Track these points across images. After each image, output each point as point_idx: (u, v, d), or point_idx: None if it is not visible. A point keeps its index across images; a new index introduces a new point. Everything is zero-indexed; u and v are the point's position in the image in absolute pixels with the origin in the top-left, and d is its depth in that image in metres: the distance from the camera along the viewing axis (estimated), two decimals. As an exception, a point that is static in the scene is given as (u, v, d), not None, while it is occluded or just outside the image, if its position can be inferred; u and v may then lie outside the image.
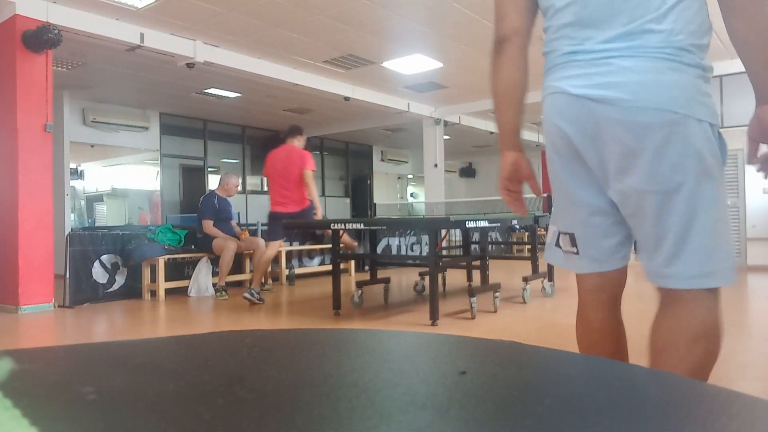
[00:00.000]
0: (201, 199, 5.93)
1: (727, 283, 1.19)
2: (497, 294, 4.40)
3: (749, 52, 1.21)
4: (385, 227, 6.03)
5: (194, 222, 5.95)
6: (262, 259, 5.14)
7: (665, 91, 1.18)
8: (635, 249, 1.37)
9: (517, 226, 9.95)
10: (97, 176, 9.96)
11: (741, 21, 1.20)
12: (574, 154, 1.31)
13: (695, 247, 1.18)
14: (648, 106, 1.16)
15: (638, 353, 3.10)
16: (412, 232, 8.62)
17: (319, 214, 5.19)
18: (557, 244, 1.44)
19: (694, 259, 1.18)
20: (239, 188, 6.18)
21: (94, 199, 9.92)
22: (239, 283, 6.37)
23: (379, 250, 8.00)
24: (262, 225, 7.05)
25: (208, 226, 5.71)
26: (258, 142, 11.89)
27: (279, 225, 5.02)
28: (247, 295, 4.93)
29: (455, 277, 6.27)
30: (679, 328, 1.25)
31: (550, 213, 5.20)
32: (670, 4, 1.20)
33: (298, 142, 5.26)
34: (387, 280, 5.02)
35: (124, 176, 10.41)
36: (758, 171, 1.24)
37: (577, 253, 1.39)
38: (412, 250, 8.66)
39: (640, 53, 1.19)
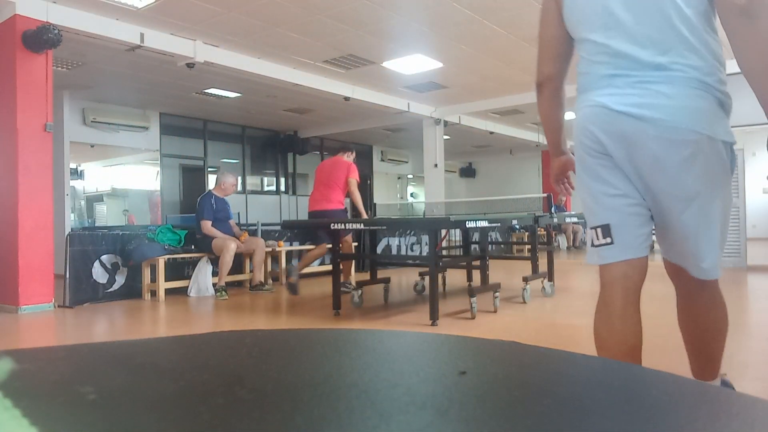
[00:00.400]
0: (198, 199, 5.93)
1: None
2: (497, 294, 4.40)
3: (759, 83, 1.41)
4: (385, 227, 6.03)
5: (194, 222, 5.95)
6: (311, 254, 5.79)
7: (692, 114, 1.41)
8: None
9: (517, 226, 9.96)
10: (97, 176, 9.96)
11: (751, 56, 1.39)
12: (606, 156, 1.53)
13: (713, 248, 1.50)
14: (679, 126, 1.41)
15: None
16: (412, 232, 8.61)
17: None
18: (593, 245, 1.58)
19: (713, 257, 1.51)
20: (239, 188, 6.18)
21: (94, 199, 9.92)
22: (239, 283, 6.37)
23: (379, 250, 8.00)
24: (263, 225, 7.05)
25: (207, 226, 5.71)
26: (258, 142, 11.90)
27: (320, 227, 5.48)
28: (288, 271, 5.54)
29: (455, 277, 6.27)
30: (704, 309, 1.66)
31: (550, 213, 5.23)
32: (697, 44, 1.43)
33: (347, 157, 5.88)
34: (387, 280, 5.03)
35: (124, 176, 10.41)
36: None
37: (612, 242, 1.52)
38: (412, 250, 8.66)
39: (673, 81, 1.43)
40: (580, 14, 1.58)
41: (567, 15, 1.62)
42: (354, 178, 5.70)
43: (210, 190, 6.04)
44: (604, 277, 1.56)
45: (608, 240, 1.52)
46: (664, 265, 1.70)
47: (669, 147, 1.42)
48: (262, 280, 6.06)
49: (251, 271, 6.20)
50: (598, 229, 1.55)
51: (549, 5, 1.68)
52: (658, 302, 4.72)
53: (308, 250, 7.43)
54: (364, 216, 5.71)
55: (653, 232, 1.57)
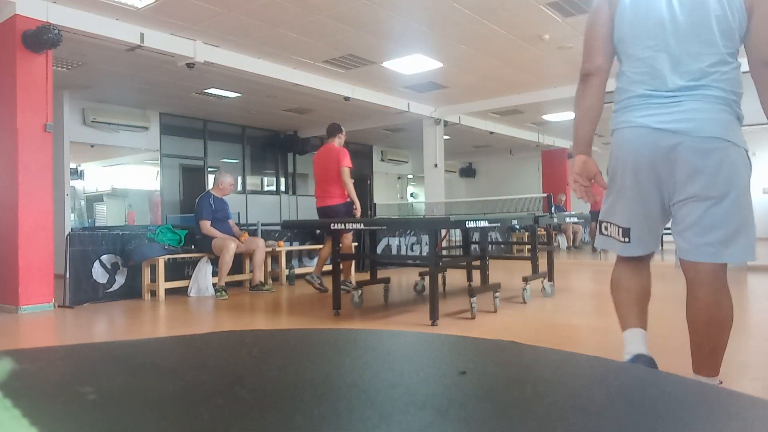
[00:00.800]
0: (197, 200, 5.93)
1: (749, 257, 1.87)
2: (497, 294, 4.40)
3: None
4: (385, 227, 6.03)
5: (194, 222, 5.95)
6: (322, 254, 5.69)
7: (719, 125, 1.73)
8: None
9: (517, 226, 9.96)
10: (97, 176, 9.96)
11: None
12: (647, 171, 1.82)
13: (736, 236, 1.76)
14: (710, 135, 1.72)
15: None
16: (412, 232, 8.61)
17: (358, 211, 5.46)
18: (609, 235, 1.97)
19: (734, 244, 1.76)
20: (239, 188, 6.19)
21: (94, 199, 9.92)
22: (239, 283, 6.37)
23: (379, 250, 8.00)
24: (263, 225, 7.05)
25: (206, 226, 5.71)
26: (258, 142, 11.90)
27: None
28: (308, 278, 5.63)
29: (455, 277, 6.27)
30: (713, 295, 1.83)
31: (549, 213, 5.23)
32: (721, 69, 1.77)
33: (338, 140, 5.63)
34: (387, 280, 5.02)
35: (124, 176, 10.41)
36: None
37: (629, 242, 1.92)
38: (412, 250, 8.66)
39: (701, 99, 1.74)
40: (632, 28, 1.83)
41: (619, 25, 1.85)
42: (345, 166, 5.41)
43: (208, 190, 6.04)
44: (619, 261, 2.02)
45: (627, 240, 1.93)
46: (680, 264, 1.91)
47: (703, 156, 1.73)
48: (262, 280, 6.05)
49: (251, 271, 6.19)
50: (621, 229, 1.94)
51: (602, 7, 1.89)
52: (659, 302, 4.71)
53: (308, 250, 7.44)
54: (357, 205, 5.44)
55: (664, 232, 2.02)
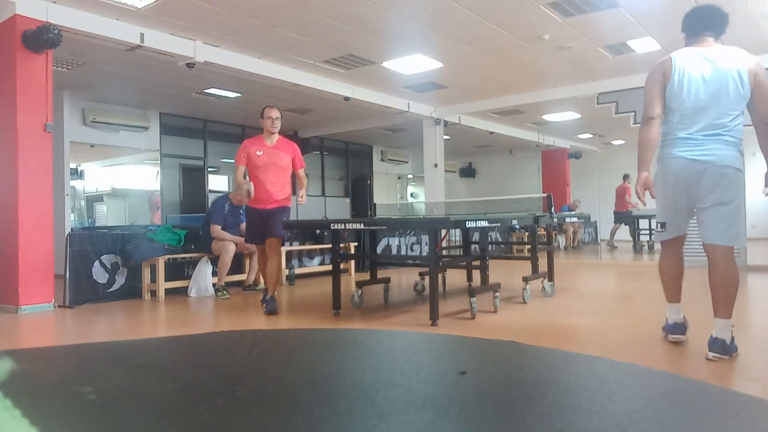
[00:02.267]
0: (213, 200, 5.92)
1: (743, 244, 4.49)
2: (497, 294, 4.40)
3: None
4: (385, 227, 6.03)
5: (194, 222, 5.95)
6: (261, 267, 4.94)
7: (730, 159, 2.72)
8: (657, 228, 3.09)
9: (517, 226, 9.96)
10: (97, 176, 9.96)
11: (765, 145, 2.81)
12: (682, 189, 2.83)
13: (734, 228, 2.75)
14: (725, 164, 2.70)
15: (636, 353, 3.11)
16: (412, 232, 8.61)
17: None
18: (658, 230, 3.05)
19: (733, 233, 2.74)
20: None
21: (94, 199, 9.92)
22: (240, 283, 6.37)
23: (379, 250, 8.00)
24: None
25: (216, 230, 5.69)
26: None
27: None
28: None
29: (455, 277, 6.27)
30: (728, 266, 2.76)
31: (549, 213, 5.24)
32: (732, 123, 2.75)
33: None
34: (387, 280, 5.02)
35: (124, 176, 10.41)
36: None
37: (664, 231, 2.99)
38: (412, 250, 8.66)
39: (719, 142, 2.73)
40: (681, 97, 2.80)
41: (670, 91, 2.83)
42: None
43: (227, 194, 5.99)
44: (662, 250, 3.08)
45: (663, 229, 3.00)
46: (703, 246, 2.82)
47: (720, 177, 2.72)
48: (255, 280, 6.06)
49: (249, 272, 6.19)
50: (659, 224, 3.02)
51: (658, 75, 2.88)
52: (659, 303, 4.71)
53: (308, 250, 7.43)
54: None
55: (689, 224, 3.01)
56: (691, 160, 2.75)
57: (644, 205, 2.78)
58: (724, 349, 2.71)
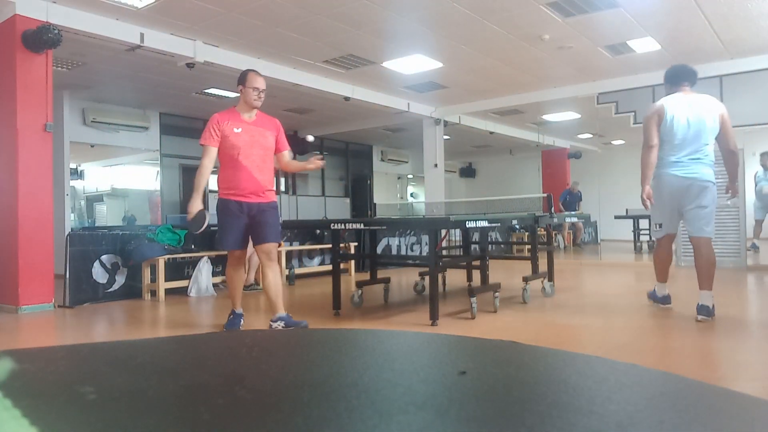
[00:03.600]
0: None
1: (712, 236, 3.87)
2: (497, 294, 4.40)
3: (731, 175, 4.00)
4: (385, 227, 6.03)
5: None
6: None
7: (708, 175, 3.79)
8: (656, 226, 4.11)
9: (517, 226, 9.95)
10: (97, 176, 9.96)
11: (730, 168, 3.97)
12: (674, 197, 3.85)
13: (711, 225, 3.80)
14: (704, 179, 3.77)
15: (636, 353, 3.11)
16: (412, 232, 8.61)
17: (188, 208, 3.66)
18: (655, 230, 4.07)
19: (710, 228, 3.80)
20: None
21: (94, 199, 9.93)
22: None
23: (379, 250, 8.00)
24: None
25: None
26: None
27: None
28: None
29: (455, 277, 6.27)
30: (709, 251, 3.78)
31: (549, 213, 5.25)
32: (707, 149, 3.81)
33: (240, 98, 3.88)
34: (387, 280, 5.02)
35: (124, 176, 10.41)
36: (729, 199, 4.38)
37: (661, 229, 4.00)
38: (412, 250, 8.65)
39: (699, 163, 3.79)
40: (672, 132, 3.82)
41: (663, 128, 3.83)
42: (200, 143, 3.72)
43: None
44: (658, 241, 4.10)
45: (660, 228, 4.01)
46: (690, 239, 3.89)
47: (700, 188, 3.76)
48: (256, 279, 6.04)
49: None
50: (658, 224, 4.02)
51: (654, 116, 3.87)
52: (659, 303, 4.71)
53: (308, 250, 7.42)
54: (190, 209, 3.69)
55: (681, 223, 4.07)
56: (681, 177, 3.81)
57: (647, 209, 3.97)
58: (708, 312, 3.71)
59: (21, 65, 4.92)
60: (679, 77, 4.01)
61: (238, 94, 3.86)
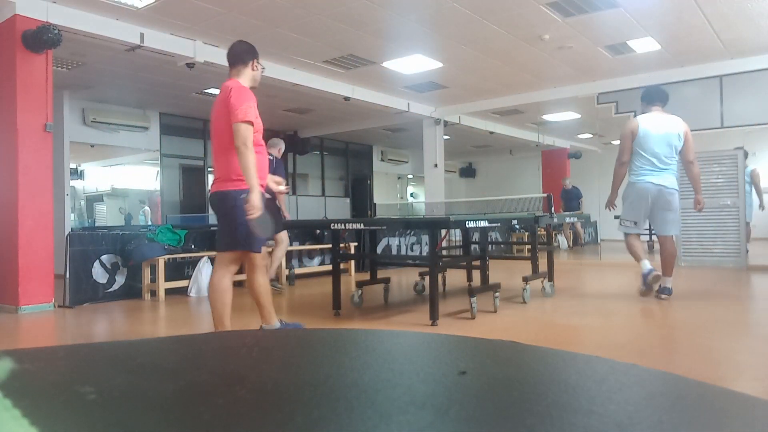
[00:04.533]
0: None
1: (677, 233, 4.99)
2: (497, 294, 4.40)
3: (693, 182, 4.74)
4: (385, 227, 6.03)
5: (194, 222, 5.93)
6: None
7: (674, 183, 4.59)
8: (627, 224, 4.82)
9: (517, 226, 9.95)
10: (97, 176, 9.96)
11: (691, 175, 4.73)
12: (647, 202, 4.59)
13: (676, 225, 4.74)
14: (671, 187, 4.57)
15: (636, 353, 3.10)
16: (412, 232, 8.61)
17: (254, 203, 2.92)
18: (628, 226, 4.71)
19: (675, 228, 4.75)
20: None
21: (94, 199, 9.93)
22: (240, 283, 6.36)
23: (379, 250, 8.00)
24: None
25: None
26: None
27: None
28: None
29: (455, 277, 6.27)
30: (672, 246, 4.70)
31: (549, 213, 5.27)
32: (673, 162, 4.60)
33: (246, 72, 3.21)
34: (387, 280, 5.02)
35: (124, 176, 10.41)
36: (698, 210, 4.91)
37: (635, 226, 4.68)
38: (412, 250, 8.65)
39: (667, 172, 4.57)
40: (643, 146, 4.54)
41: (637, 142, 4.56)
42: (241, 120, 2.95)
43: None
44: (629, 237, 4.75)
45: (634, 225, 4.68)
46: (657, 237, 4.74)
47: (669, 194, 4.56)
48: (276, 275, 5.97)
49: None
50: (632, 222, 4.68)
51: (629, 133, 4.59)
52: (659, 303, 4.71)
53: (308, 250, 7.43)
54: (254, 200, 2.92)
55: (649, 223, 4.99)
56: (653, 184, 4.55)
57: (609, 211, 5.02)
58: (669, 292, 4.64)
59: (21, 65, 4.92)
60: (652, 98, 4.74)
61: (253, 70, 3.21)
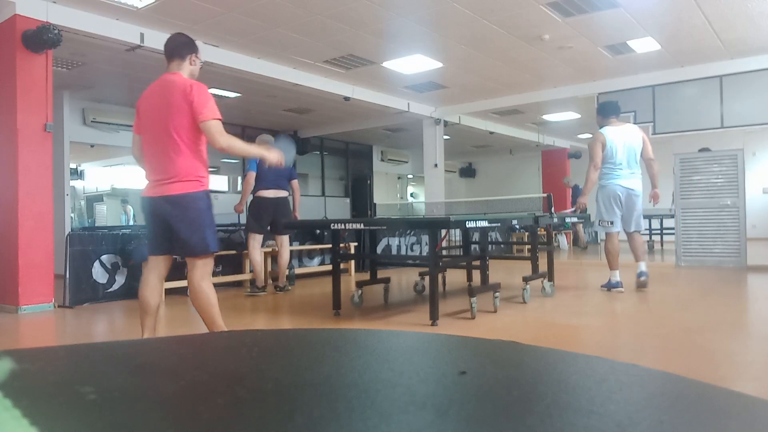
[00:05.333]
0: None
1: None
2: (497, 294, 4.40)
3: (653, 179, 5.35)
4: (385, 227, 6.03)
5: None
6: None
7: (639, 185, 5.27)
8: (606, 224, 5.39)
9: (517, 227, 9.96)
10: (97, 176, 9.98)
11: (651, 172, 5.33)
12: (618, 202, 5.22)
13: (640, 222, 5.35)
14: (637, 189, 5.26)
15: (636, 353, 3.10)
16: (412, 232, 8.61)
17: (274, 158, 2.96)
18: (606, 227, 5.29)
19: (640, 224, 5.35)
20: (239, 188, 6.11)
21: (94, 199, 9.94)
22: (239, 284, 6.37)
23: (379, 250, 8.00)
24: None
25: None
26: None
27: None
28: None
29: (455, 277, 6.27)
30: (639, 238, 5.38)
31: (549, 213, 5.28)
32: (637, 166, 5.26)
33: (188, 66, 3.14)
34: (387, 280, 5.02)
35: (124, 176, 10.43)
36: (651, 201, 5.42)
37: (613, 225, 5.25)
38: (412, 250, 8.65)
39: (633, 176, 5.24)
40: (613, 154, 5.15)
41: (606, 151, 5.16)
42: (210, 117, 2.81)
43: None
44: (609, 235, 5.33)
45: (612, 224, 5.26)
46: (625, 233, 5.30)
47: (635, 197, 5.24)
48: (284, 281, 5.87)
49: (251, 271, 6.18)
50: (609, 222, 5.25)
51: (598, 143, 5.17)
52: (659, 303, 4.71)
53: (308, 250, 7.42)
54: (268, 154, 2.96)
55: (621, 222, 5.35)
56: (622, 187, 5.18)
57: (577, 212, 5.72)
58: (647, 275, 5.28)
59: (21, 65, 4.92)
60: (608, 112, 5.37)
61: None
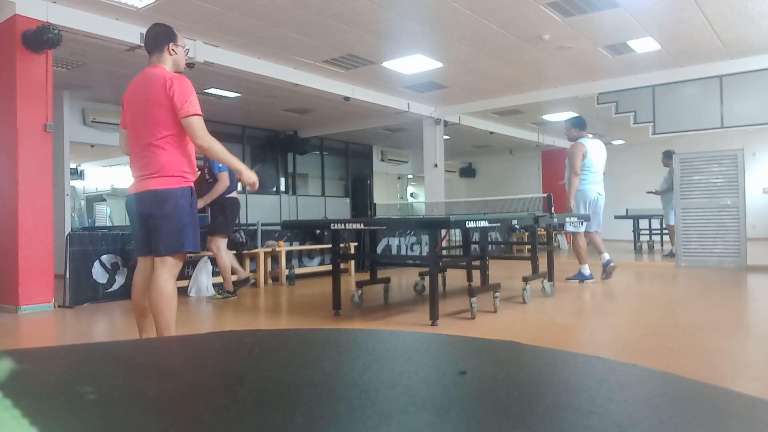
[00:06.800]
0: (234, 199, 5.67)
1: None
2: (497, 294, 4.40)
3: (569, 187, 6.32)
4: (385, 227, 6.03)
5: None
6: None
7: (602, 190, 6.21)
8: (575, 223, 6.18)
9: (517, 227, 9.96)
10: (97, 176, 9.97)
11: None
12: (593, 201, 6.10)
13: (600, 224, 6.18)
14: (602, 194, 6.18)
15: (636, 353, 3.10)
16: (412, 232, 8.61)
17: (250, 178, 2.93)
18: (575, 225, 6.03)
19: (600, 225, 6.19)
20: (239, 188, 6.06)
21: (94, 199, 9.93)
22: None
23: (379, 250, 8.00)
24: (263, 225, 7.04)
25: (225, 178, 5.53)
26: (258, 142, 11.89)
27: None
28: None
29: (455, 277, 6.27)
30: (597, 237, 6.21)
31: (549, 213, 5.29)
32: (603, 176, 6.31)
33: (170, 59, 2.90)
34: (387, 280, 5.02)
35: (125, 176, 10.41)
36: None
37: (582, 225, 6.01)
38: (412, 250, 8.65)
39: (602, 183, 6.20)
40: (591, 163, 6.03)
41: (585, 161, 6.00)
42: (191, 113, 2.71)
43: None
44: (578, 234, 6.09)
45: (582, 224, 5.99)
46: (588, 233, 6.14)
47: (602, 200, 6.17)
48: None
49: (253, 271, 6.18)
50: (584, 221, 5.94)
51: (580, 154, 5.99)
52: (659, 303, 4.71)
53: (308, 250, 7.42)
54: (246, 173, 2.92)
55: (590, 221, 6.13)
56: (596, 192, 6.02)
57: (568, 210, 5.97)
58: (611, 262, 5.98)
59: (21, 65, 4.92)
60: (583, 126, 6.19)
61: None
